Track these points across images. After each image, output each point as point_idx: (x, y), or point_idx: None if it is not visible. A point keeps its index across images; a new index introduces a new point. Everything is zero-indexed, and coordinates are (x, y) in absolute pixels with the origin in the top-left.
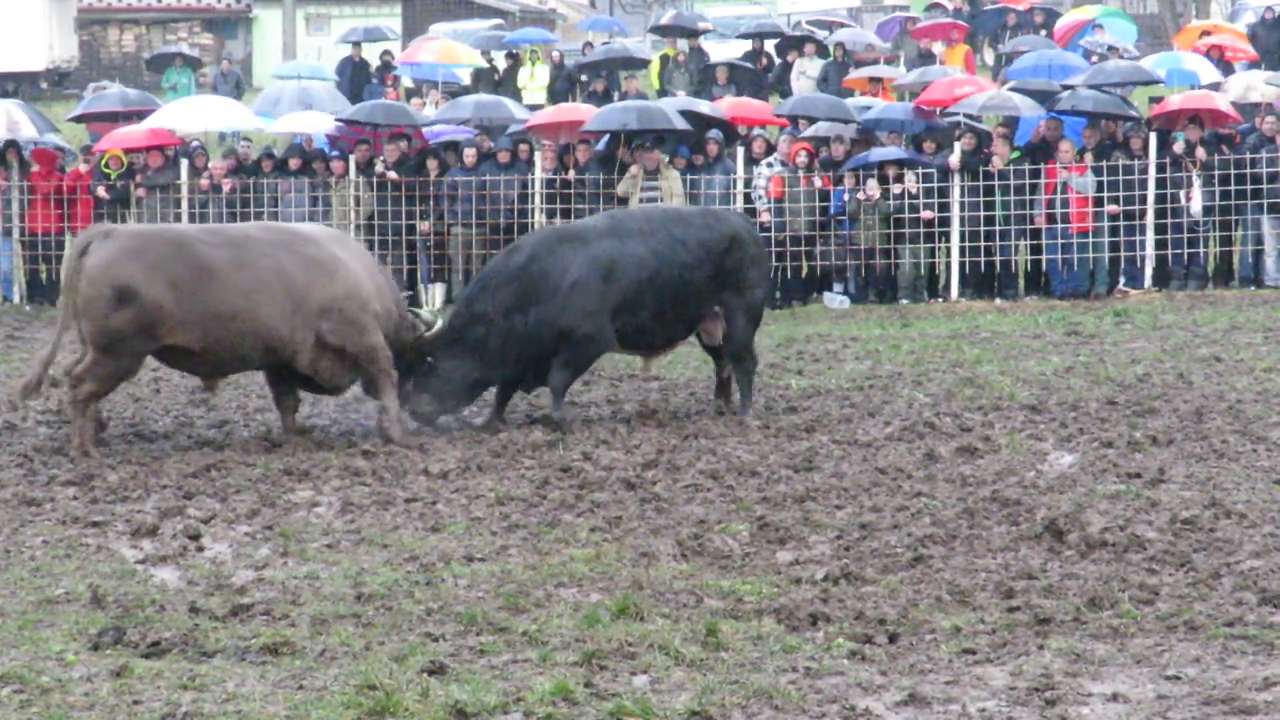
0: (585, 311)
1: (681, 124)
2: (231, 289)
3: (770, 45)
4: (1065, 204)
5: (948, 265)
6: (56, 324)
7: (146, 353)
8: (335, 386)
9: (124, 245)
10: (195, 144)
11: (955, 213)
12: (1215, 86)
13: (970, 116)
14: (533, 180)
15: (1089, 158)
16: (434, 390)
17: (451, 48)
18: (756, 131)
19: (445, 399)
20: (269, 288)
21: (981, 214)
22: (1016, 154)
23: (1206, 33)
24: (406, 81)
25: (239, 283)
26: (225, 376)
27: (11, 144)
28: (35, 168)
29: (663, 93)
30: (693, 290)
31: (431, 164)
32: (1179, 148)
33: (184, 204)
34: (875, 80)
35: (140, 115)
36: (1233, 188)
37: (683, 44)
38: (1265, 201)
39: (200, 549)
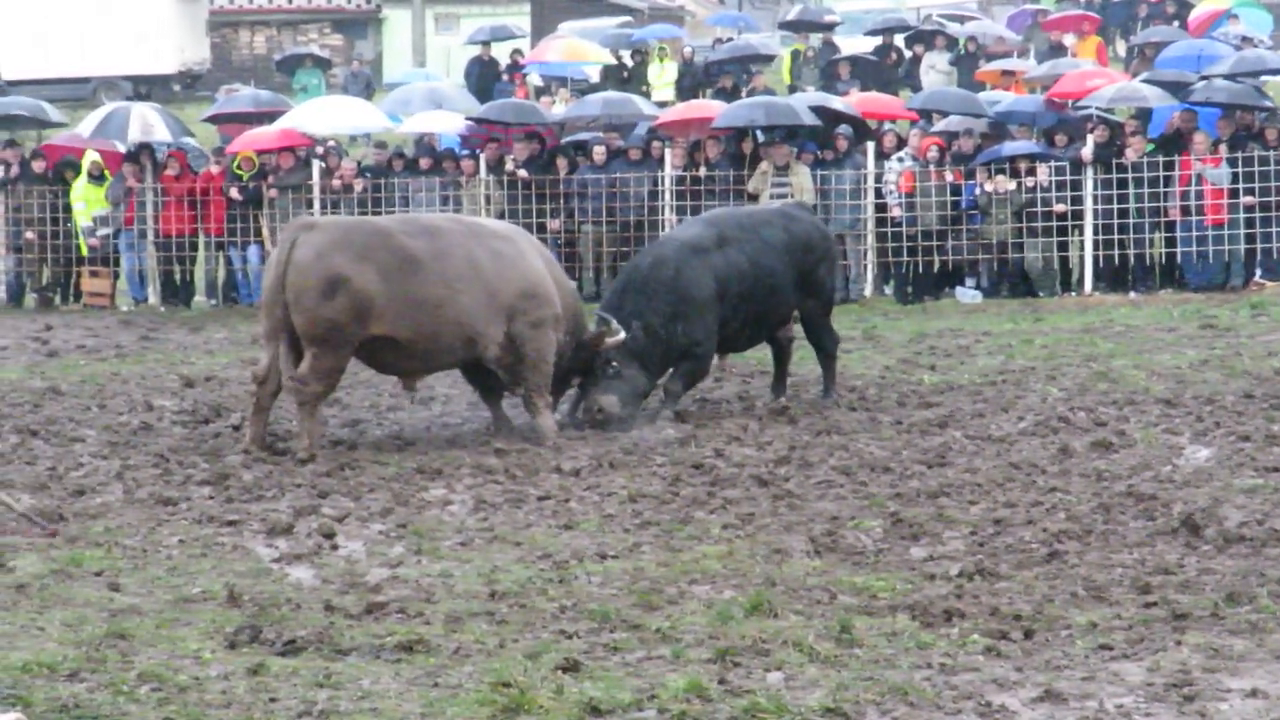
0: (709, 327)
1: (809, 119)
2: (434, 277)
3: (900, 39)
4: (1200, 196)
5: (1081, 259)
6: (269, 328)
7: (358, 340)
8: (515, 384)
9: (330, 236)
10: (331, 144)
11: (1088, 205)
12: None
13: (1102, 109)
14: (662, 177)
15: (1223, 149)
16: (614, 396)
17: (579, 46)
18: (887, 126)
19: (623, 406)
20: (467, 278)
21: (1115, 207)
22: (1151, 146)
23: None
24: (535, 79)
25: (441, 271)
26: (428, 373)
27: (145, 146)
28: (168, 170)
29: (793, 88)
30: (779, 295)
31: (561, 162)
32: None
33: (315, 204)
34: (1006, 73)
35: (271, 116)
36: None
37: (814, 39)
38: None
39: (334, 547)
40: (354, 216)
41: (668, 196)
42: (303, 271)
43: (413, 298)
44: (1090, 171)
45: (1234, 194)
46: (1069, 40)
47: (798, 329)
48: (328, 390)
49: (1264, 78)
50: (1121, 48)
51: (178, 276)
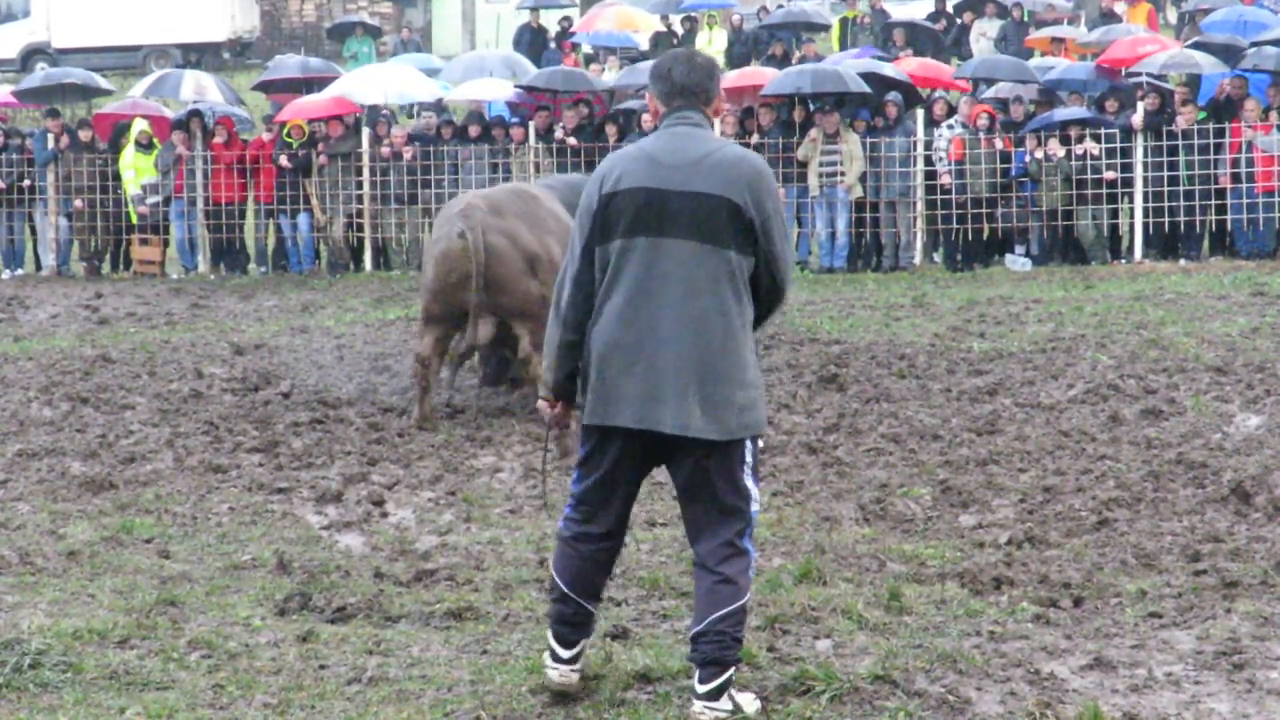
0: None
1: (858, 86)
2: None
3: (951, 5)
4: (1250, 163)
5: (1131, 226)
6: (442, 312)
7: None
8: None
9: (510, 214)
10: (385, 112)
11: (1138, 173)
12: None
13: (1153, 76)
14: None
15: (1274, 116)
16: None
17: (630, 14)
18: (937, 93)
19: None
20: None
21: (1165, 174)
22: (1202, 114)
23: None
24: (585, 47)
25: None
26: None
27: (195, 114)
28: (217, 138)
29: None
30: None
31: (610, 129)
32: None
33: (365, 172)
34: (1057, 40)
35: (321, 83)
36: None
37: (863, 5)
38: None
39: (384, 515)
40: (510, 186)
41: None
42: (501, 258)
43: None
44: (1141, 139)
45: None
46: (1120, 7)
47: None
48: None
49: None
50: (1172, 14)
51: (225, 244)
